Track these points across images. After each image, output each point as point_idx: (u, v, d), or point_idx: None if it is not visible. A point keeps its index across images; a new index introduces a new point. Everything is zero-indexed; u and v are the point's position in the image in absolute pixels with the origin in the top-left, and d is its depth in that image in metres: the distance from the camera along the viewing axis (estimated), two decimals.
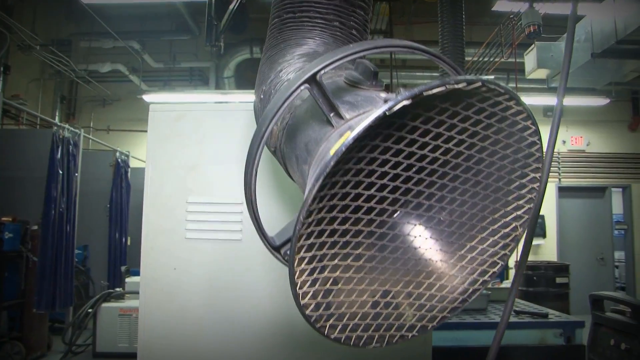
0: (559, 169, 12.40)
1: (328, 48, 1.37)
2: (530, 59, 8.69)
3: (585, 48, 8.41)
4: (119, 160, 10.04)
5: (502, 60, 9.78)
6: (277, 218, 2.04)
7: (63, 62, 11.01)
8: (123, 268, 6.81)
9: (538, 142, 0.97)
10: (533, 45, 8.21)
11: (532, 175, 1.00)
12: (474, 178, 0.97)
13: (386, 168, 0.86)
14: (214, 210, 2.08)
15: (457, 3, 5.34)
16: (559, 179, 12.39)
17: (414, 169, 0.89)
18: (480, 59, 10.28)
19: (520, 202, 1.03)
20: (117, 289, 6.87)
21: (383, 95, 1.04)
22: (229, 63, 10.76)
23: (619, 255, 12.92)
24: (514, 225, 1.04)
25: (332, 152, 0.79)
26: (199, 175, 2.10)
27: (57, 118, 12.35)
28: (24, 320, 6.70)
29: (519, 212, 1.03)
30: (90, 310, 5.74)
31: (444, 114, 0.85)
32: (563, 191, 12.36)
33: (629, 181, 12.48)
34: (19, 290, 6.73)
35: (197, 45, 11.68)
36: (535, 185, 1.01)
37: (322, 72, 0.93)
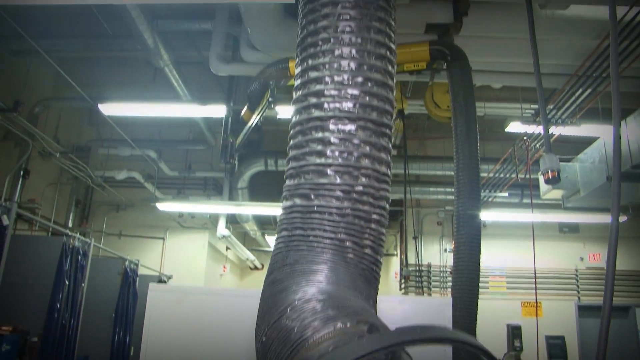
0: (577, 287, 12.02)
1: (339, 280, 1.25)
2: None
3: (600, 170, 8.37)
4: (128, 269, 9.93)
5: (517, 177, 9.75)
6: None
7: (80, 168, 11.18)
8: None
9: None
10: None
11: None
12: None
13: None
14: None
15: (471, 125, 5.35)
16: (579, 298, 11.97)
17: None
18: (496, 175, 10.27)
19: None
20: None
21: None
22: (244, 174, 10.82)
23: None
24: None
25: None
26: None
27: (70, 221, 12.42)
28: None
29: None
30: None
31: None
32: (583, 310, 11.88)
33: None
34: None
35: (213, 156, 11.87)
36: None
37: None
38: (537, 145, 8.84)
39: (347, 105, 1.38)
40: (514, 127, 8.90)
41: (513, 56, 6.71)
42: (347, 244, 1.32)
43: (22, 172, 10.53)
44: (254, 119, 6.85)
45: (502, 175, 10.24)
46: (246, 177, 10.96)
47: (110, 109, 9.00)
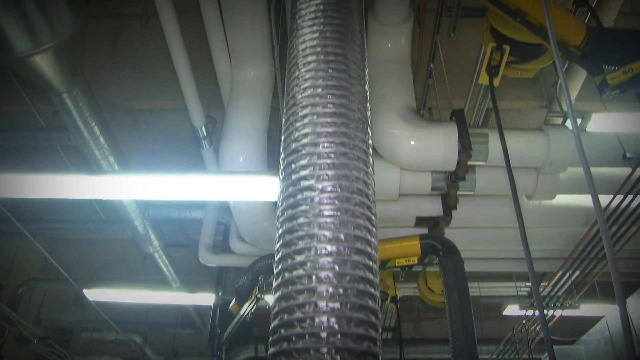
0: None
1: None
2: None
3: (607, 353, 8.03)
4: None
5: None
6: None
7: (59, 354, 10.63)
8: None
9: None
10: None
11: None
12: None
13: None
14: None
15: (468, 324, 5.12)
16: None
17: None
18: (498, 357, 9.81)
19: None
20: None
21: None
22: None
23: None
24: None
25: None
26: None
27: None
28: None
29: None
30: None
31: None
32: None
33: None
34: None
35: (201, 340, 11.40)
36: None
37: None
38: (537, 329, 8.55)
39: None
40: (511, 310, 8.67)
41: (504, 244, 6.68)
42: None
43: None
44: (243, 313, 6.60)
45: (503, 356, 9.79)
46: None
47: (96, 294, 8.78)
